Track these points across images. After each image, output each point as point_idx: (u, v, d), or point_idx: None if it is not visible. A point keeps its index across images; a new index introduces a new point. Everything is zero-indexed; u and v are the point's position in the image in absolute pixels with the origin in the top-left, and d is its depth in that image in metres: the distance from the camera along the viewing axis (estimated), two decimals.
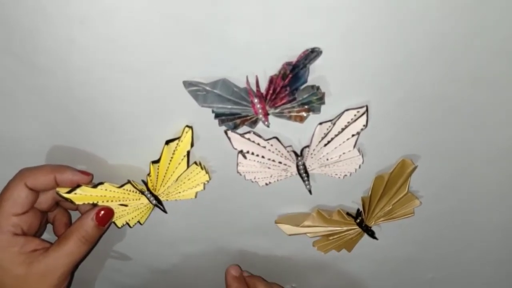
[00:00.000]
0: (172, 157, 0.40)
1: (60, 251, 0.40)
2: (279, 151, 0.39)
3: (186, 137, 0.39)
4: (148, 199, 0.42)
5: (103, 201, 0.41)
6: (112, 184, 0.41)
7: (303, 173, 0.41)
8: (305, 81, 0.35)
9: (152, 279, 0.53)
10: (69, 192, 0.40)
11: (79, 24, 0.33)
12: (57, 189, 0.40)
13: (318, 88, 0.35)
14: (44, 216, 0.43)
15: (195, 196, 0.43)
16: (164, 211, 0.44)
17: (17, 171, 0.40)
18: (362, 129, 0.38)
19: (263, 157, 0.40)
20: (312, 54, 0.33)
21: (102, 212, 0.41)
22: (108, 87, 0.37)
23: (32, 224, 0.41)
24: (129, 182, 0.41)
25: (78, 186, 0.40)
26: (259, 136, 0.38)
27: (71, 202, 0.40)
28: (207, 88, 0.35)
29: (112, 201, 0.41)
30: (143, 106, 0.38)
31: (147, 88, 0.36)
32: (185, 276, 0.53)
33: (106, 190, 0.41)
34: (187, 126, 0.39)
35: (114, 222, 0.43)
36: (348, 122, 0.37)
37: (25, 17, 0.33)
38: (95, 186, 0.40)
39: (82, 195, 0.40)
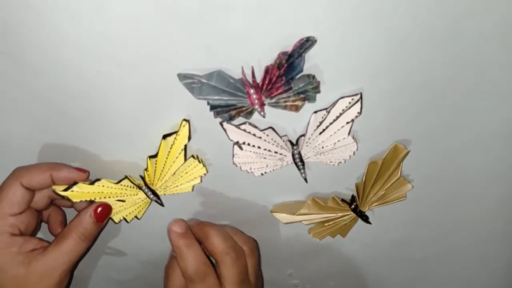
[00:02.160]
0: (169, 152, 0.40)
1: (59, 250, 0.40)
2: (274, 141, 0.40)
3: (183, 131, 0.39)
4: (146, 194, 0.42)
5: (100, 198, 0.41)
6: (109, 180, 0.40)
7: (299, 161, 0.41)
8: (301, 70, 0.35)
9: (147, 274, 0.53)
10: (65, 189, 0.40)
11: (70, 19, 0.32)
12: (54, 187, 0.40)
13: (313, 77, 0.36)
14: (40, 215, 0.43)
15: (192, 190, 0.44)
16: (162, 204, 0.44)
17: (9, 170, 0.40)
18: (356, 116, 0.38)
19: (259, 147, 0.40)
20: (307, 43, 0.34)
21: (100, 208, 0.41)
22: (101, 81, 0.36)
23: (29, 223, 0.41)
24: (126, 177, 0.41)
25: (75, 183, 0.40)
26: (255, 126, 0.39)
27: (68, 199, 0.40)
28: (203, 80, 0.35)
29: (109, 197, 0.41)
30: (138, 100, 0.38)
31: (141, 81, 0.36)
32: None
33: (103, 186, 0.40)
34: (184, 120, 0.39)
35: (111, 218, 0.43)
36: (343, 110, 0.38)
37: (13, 13, 0.32)
38: (92, 183, 0.40)
39: (79, 193, 0.40)
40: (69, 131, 0.41)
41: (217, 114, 0.37)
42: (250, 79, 0.35)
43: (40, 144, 0.42)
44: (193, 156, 0.41)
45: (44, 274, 0.39)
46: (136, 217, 0.44)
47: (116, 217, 0.43)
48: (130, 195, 0.42)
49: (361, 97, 0.37)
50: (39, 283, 0.39)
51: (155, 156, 0.39)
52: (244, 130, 0.39)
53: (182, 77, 0.35)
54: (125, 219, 0.44)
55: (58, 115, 0.39)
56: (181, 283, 0.44)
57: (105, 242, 0.50)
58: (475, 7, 0.34)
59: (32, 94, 0.38)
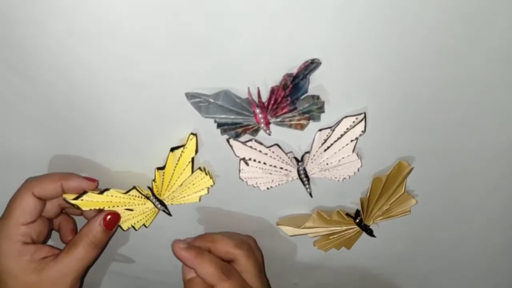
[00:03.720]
0: (177, 164, 0.41)
1: (70, 257, 0.41)
2: (280, 157, 0.40)
3: (191, 144, 0.40)
4: (154, 204, 0.43)
5: (109, 207, 0.42)
6: (118, 190, 0.42)
7: (304, 177, 0.42)
8: (306, 91, 0.36)
9: (155, 280, 0.54)
10: (76, 198, 0.41)
11: (82, 41, 0.33)
12: (64, 195, 0.41)
13: (318, 97, 0.36)
14: (50, 223, 0.44)
15: (199, 200, 0.44)
16: (169, 214, 0.45)
17: (21, 181, 0.41)
18: (360, 135, 0.39)
19: (264, 163, 0.41)
20: (312, 65, 0.34)
21: (109, 216, 0.42)
22: (111, 99, 0.38)
23: (41, 232, 0.42)
24: (134, 188, 0.42)
25: (85, 192, 0.41)
26: (261, 143, 0.39)
27: (78, 208, 0.41)
28: (210, 99, 0.36)
29: (118, 206, 0.42)
30: (147, 117, 0.39)
31: (150, 100, 0.37)
32: None
33: (112, 196, 0.42)
34: (191, 133, 0.40)
35: (119, 225, 0.44)
36: (347, 129, 0.38)
37: (26, 35, 0.34)
38: (101, 192, 0.41)
39: (89, 201, 0.41)
40: (80, 145, 0.42)
41: (224, 132, 0.38)
42: (256, 99, 0.36)
43: (51, 156, 0.43)
44: (200, 168, 0.42)
45: (55, 281, 0.40)
46: (144, 225, 0.45)
47: (124, 225, 0.44)
48: (138, 205, 0.43)
49: (365, 117, 0.38)
50: None
51: (162, 168, 0.40)
52: (250, 147, 0.39)
53: (190, 96, 0.36)
54: (133, 227, 0.45)
55: (70, 130, 0.40)
56: None
57: (114, 249, 0.51)
58: (480, 28, 0.34)
59: (45, 111, 0.39)
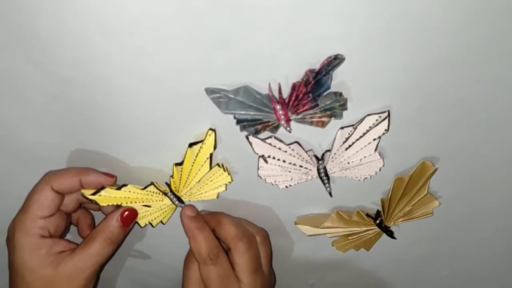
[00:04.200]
0: (195, 159, 0.40)
1: (86, 252, 0.41)
2: (300, 155, 0.40)
3: (209, 140, 0.39)
4: (171, 200, 0.43)
5: (126, 203, 0.42)
6: (136, 186, 0.41)
7: (324, 176, 0.41)
8: (328, 88, 0.35)
9: (171, 277, 0.54)
10: (93, 194, 0.40)
11: (101, 35, 0.33)
12: (82, 190, 0.41)
13: (340, 94, 0.35)
14: (68, 218, 0.44)
15: (217, 197, 0.44)
16: None
17: (40, 176, 0.41)
18: (383, 133, 0.38)
19: (284, 161, 0.40)
20: (335, 61, 0.33)
21: (126, 212, 0.42)
22: (131, 94, 0.37)
23: (59, 226, 0.42)
24: (152, 183, 0.41)
25: (102, 188, 0.41)
26: (280, 140, 0.39)
27: (96, 203, 0.41)
28: (230, 95, 0.35)
29: (135, 202, 0.42)
30: (166, 113, 0.38)
31: (169, 95, 0.37)
32: None
33: (129, 192, 0.41)
34: (210, 129, 0.39)
35: (137, 222, 0.44)
36: (370, 127, 0.37)
37: (46, 28, 0.33)
38: (119, 188, 0.41)
39: (106, 197, 0.41)
40: (98, 139, 0.42)
41: (243, 128, 0.37)
42: (276, 95, 0.35)
43: (70, 151, 0.43)
44: (218, 165, 0.42)
45: (71, 275, 0.40)
46: (161, 222, 0.45)
47: (141, 221, 0.44)
48: (156, 201, 0.43)
49: (388, 115, 0.37)
50: (67, 284, 0.40)
51: (181, 163, 0.40)
52: (270, 144, 0.39)
53: (209, 91, 0.35)
54: (150, 223, 0.45)
55: (89, 125, 0.40)
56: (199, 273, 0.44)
57: (131, 245, 0.51)
58: (508, 27, 0.33)
59: (64, 105, 0.39)
